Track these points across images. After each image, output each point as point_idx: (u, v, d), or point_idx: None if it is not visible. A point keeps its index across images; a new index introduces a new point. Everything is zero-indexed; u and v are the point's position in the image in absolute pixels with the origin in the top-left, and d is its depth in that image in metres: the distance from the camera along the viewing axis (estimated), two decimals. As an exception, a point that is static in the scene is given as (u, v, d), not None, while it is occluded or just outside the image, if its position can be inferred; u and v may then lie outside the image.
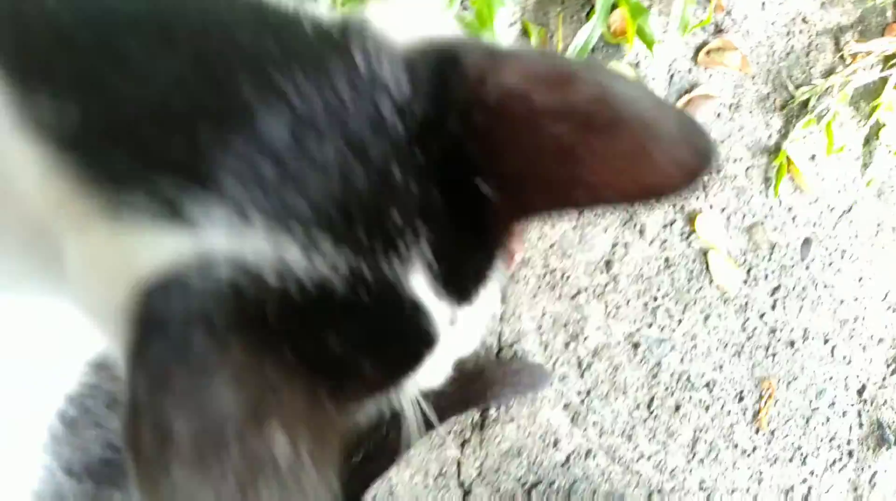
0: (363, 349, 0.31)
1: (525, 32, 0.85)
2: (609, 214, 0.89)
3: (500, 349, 0.88)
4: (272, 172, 0.28)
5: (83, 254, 0.31)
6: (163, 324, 0.26)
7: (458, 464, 0.86)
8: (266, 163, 0.28)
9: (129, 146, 0.29)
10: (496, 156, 0.31)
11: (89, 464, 0.60)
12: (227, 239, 0.27)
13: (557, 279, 0.89)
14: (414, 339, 0.34)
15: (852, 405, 0.99)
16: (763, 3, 0.92)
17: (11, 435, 0.56)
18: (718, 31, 0.91)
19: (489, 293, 0.38)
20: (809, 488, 0.96)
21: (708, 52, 0.91)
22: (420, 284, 0.32)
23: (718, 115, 0.92)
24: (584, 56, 0.84)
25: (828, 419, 0.97)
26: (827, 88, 0.92)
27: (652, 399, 0.92)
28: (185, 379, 0.26)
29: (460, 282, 0.34)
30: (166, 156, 0.28)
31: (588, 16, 0.83)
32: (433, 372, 0.39)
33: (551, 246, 0.88)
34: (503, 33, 0.75)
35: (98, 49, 0.30)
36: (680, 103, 0.90)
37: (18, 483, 0.57)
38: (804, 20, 0.94)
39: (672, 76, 0.90)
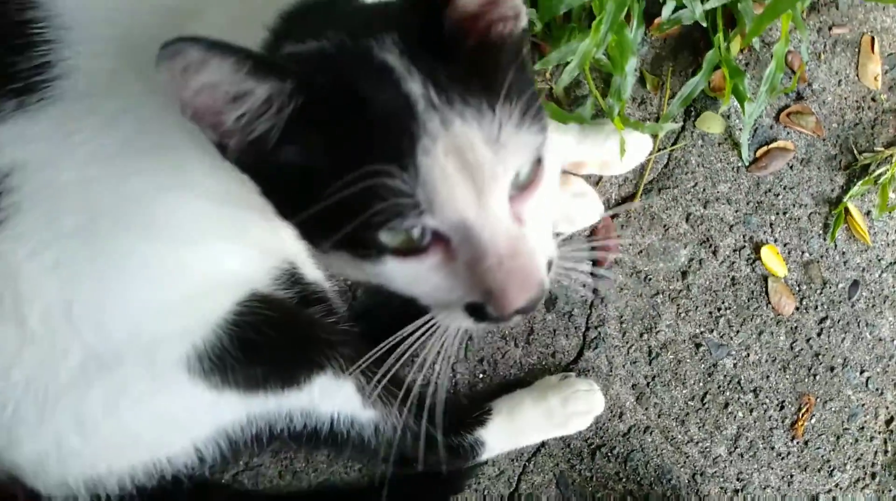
0: None
1: (642, 79, 1.06)
2: (690, 234, 1.08)
3: (587, 328, 1.07)
4: None
5: None
6: None
7: (540, 418, 1.05)
8: None
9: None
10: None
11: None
12: None
13: (640, 280, 1.08)
14: (389, 104, 0.51)
15: (880, 432, 1.14)
16: (840, 81, 1.12)
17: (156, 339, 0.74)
18: (799, 97, 1.10)
19: (502, 124, 0.52)
20: (833, 498, 1.11)
21: (788, 114, 1.10)
22: (391, 58, 0.52)
23: (791, 166, 1.11)
24: (686, 104, 1.05)
25: (856, 441, 1.12)
26: (886, 157, 1.10)
27: (706, 394, 1.09)
28: None
29: (437, 76, 0.51)
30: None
31: (694, 72, 1.04)
32: (451, 191, 0.51)
33: (640, 252, 1.08)
34: (629, 77, 0.96)
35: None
36: (760, 152, 1.09)
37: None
38: (873, 99, 1.13)
39: (756, 129, 1.09)
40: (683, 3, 0.99)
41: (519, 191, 0.55)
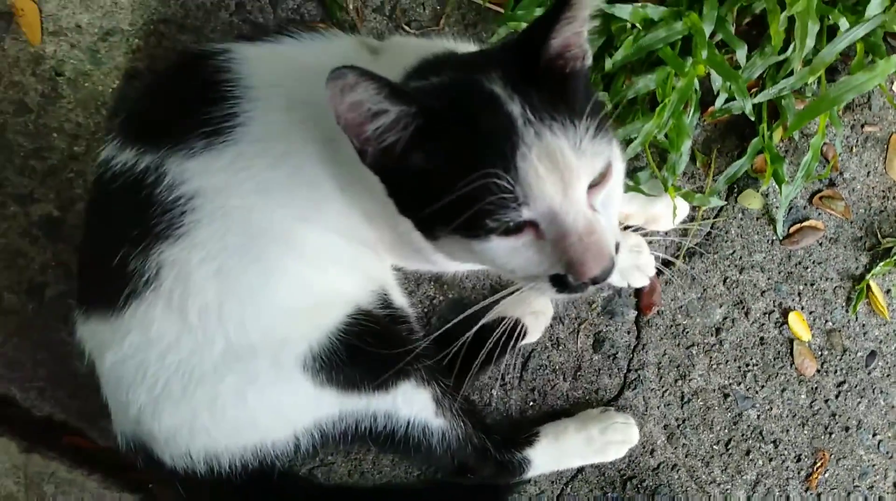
0: None
1: (693, 156, 1.22)
2: (726, 295, 1.22)
3: (628, 370, 1.21)
4: None
5: None
6: None
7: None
8: None
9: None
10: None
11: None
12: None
13: (679, 332, 1.22)
14: (493, 121, 0.68)
15: (888, 492, 1.24)
16: (868, 172, 1.26)
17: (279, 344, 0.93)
18: (831, 184, 1.25)
19: (573, 136, 0.68)
20: (841, 550, 1.22)
21: (820, 198, 1.25)
22: (497, 86, 0.70)
23: (820, 243, 1.25)
24: (730, 182, 1.20)
25: (866, 498, 1.23)
26: (907, 243, 1.24)
27: (730, 440, 1.22)
28: None
29: (530, 97, 0.69)
30: None
31: (740, 155, 1.19)
32: (542, 182, 0.67)
33: (680, 307, 1.22)
34: (684, 156, 1.12)
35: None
36: (793, 229, 1.24)
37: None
38: (898, 190, 1.27)
39: (791, 209, 1.24)
40: (734, 96, 1.15)
41: (593, 186, 0.71)
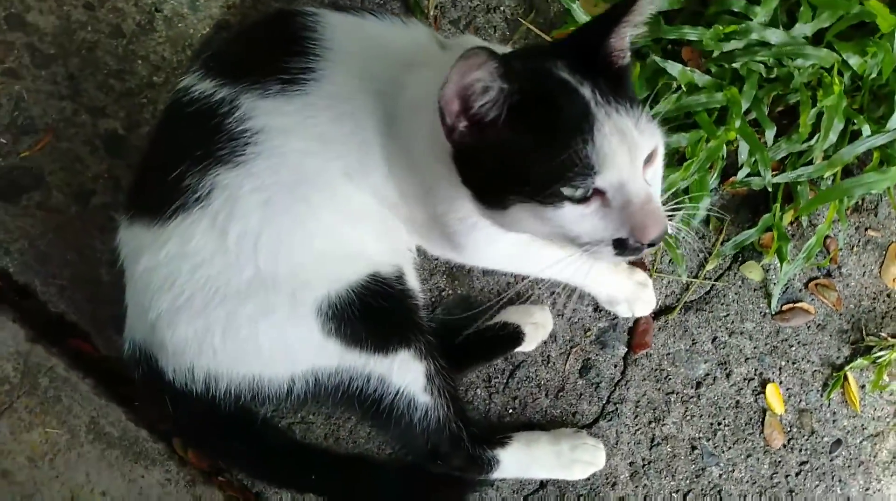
0: None
1: (708, 220, 1.31)
2: (712, 354, 1.29)
3: (607, 402, 1.26)
4: None
5: None
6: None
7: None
8: None
9: None
10: None
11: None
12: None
13: (662, 377, 1.28)
14: (570, 101, 0.79)
15: (829, 580, 1.28)
16: (864, 272, 1.35)
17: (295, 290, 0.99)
18: (828, 274, 1.34)
19: (632, 116, 0.80)
20: None
21: (816, 284, 1.33)
22: (565, 73, 0.81)
23: (808, 326, 1.32)
24: (737, 249, 1.29)
25: (806, 581, 1.27)
26: (889, 344, 1.31)
27: (689, 492, 1.26)
28: None
29: (600, 85, 0.81)
30: None
31: (749, 227, 1.28)
32: (615, 154, 0.79)
33: (668, 354, 1.29)
34: (701, 211, 1.22)
35: None
36: (786, 307, 1.32)
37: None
38: (888, 295, 1.36)
39: (787, 288, 1.32)
40: (756, 171, 1.25)
41: (644, 163, 0.82)
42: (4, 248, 1.20)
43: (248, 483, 1.20)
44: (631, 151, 0.79)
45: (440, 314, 1.25)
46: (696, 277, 1.30)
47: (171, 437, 1.20)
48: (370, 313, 0.99)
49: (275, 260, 0.95)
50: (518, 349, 1.24)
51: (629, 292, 1.21)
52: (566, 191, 0.79)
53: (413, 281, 1.11)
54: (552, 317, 1.25)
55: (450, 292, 1.26)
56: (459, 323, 1.23)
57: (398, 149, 0.96)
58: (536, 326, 1.23)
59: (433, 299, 1.25)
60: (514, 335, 1.22)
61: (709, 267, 1.30)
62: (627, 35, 0.83)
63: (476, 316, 1.25)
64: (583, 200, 0.80)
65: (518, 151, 0.80)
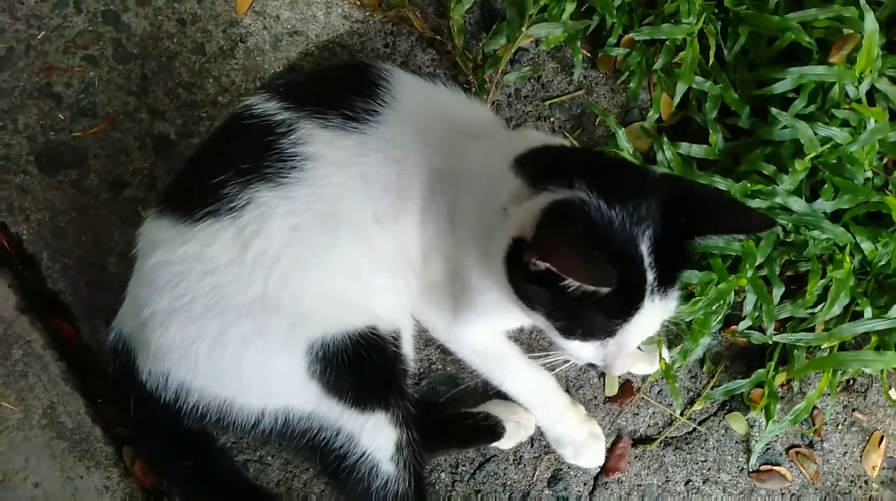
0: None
1: (702, 361, 1.33)
2: (683, 496, 1.26)
3: (569, 518, 1.22)
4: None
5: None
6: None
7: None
8: None
9: None
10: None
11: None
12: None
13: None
14: (635, 285, 0.81)
15: None
16: (845, 452, 1.34)
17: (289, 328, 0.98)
18: (810, 444, 1.33)
19: (669, 303, 0.85)
20: None
21: (797, 452, 1.33)
22: (645, 250, 0.80)
23: (783, 493, 1.30)
24: (726, 396, 1.29)
25: None
26: (859, 532, 1.28)
27: None
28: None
29: (661, 271, 0.81)
30: None
31: (742, 377, 1.29)
32: (636, 331, 0.85)
33: (639, 486, 1.26)
34: (699, 349, 1.24)
35: None
36: (764, 467, 1.30)
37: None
38: (865, 482, 1.34)
39: (768, 448, 1.31)
40: (758, 325, 1.28)
41: None
42: (25, 215, 1.22)
43: (186, 513, 1.14)
44: (649, 329, 0.87)
45: (425, 387, 1.24)
46: (681, 414, 1.30)
47: (123, 444, 1.15)
48: (359, 365, 0.99)
49: (284, 286, 0.96)
50: (495, 444, 1.21)
51: (580, 440, 1.20)
52: (580, 333, 0.87)
53: (408, 347, 1.11)
54: (534, 424, 1.23)
55: (439, 367, 1.26)
56: (441, 401, 1.22)
57: (438, 209, 1.01)
58: (518, 425, 1.22)
59: (421, 370, 1.25)
60: (495, 429, 1.21)
61: (695, 407, 1.30)
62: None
63: (460, 399, 1.24)
64: (587, 341, 0.89)
65: (567, 302, 0.83)
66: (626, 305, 0.82)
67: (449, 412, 1.25)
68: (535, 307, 0.87)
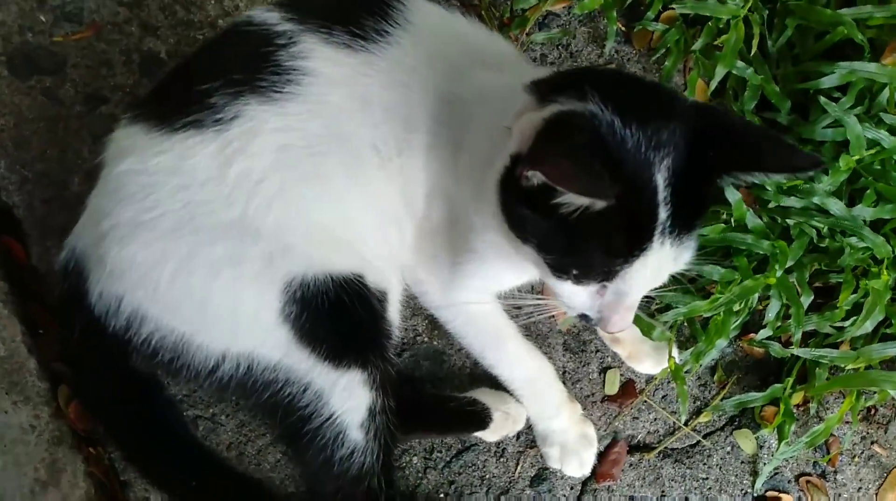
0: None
1: (714, 369, 1.21)
2: (678, 515, 1.13)
3: (551, 524, 1.09)
4: None
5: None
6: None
7: None
8: None
9: None
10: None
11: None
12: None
13: (618, 520, 1.12)
14: (643, 220, 0.69)
15: None
16: (860, 488, 1.21)
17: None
18: (823, 475, 1.20)
19: (682, 252, 0.73)
20: None
21: (807, 481, 1.20)
22: (660, 181, 0.68)
23: (788, 525, 1.17)
24: (737, 409, 1.17)
25: None
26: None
27: None
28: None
29: (677, 211, 0.69)
30: None
31: (756, 391, 1.17)
32: (639, 277, 0.73)
33: (631, 497, 1.13)
34: (713, 351, 1.12)
35: None
36: (770, 494, 1.17)
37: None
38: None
39: (776, 473, 1.18)
40: (779, 337, 1.17)
41: None
42: (-12, 118, 1.10)
43: (120, 468, 1.01)
44: (654, 279, 0.77)
45: (407, 360, 1.12)
46: (686, 424, 1.17)
47: (59, 382, 1.02)
48: (339, 313, 0.88)
49: (266, 212, 0.85)
50: (478, 434, 1.08)
51: (570, 441, 1.07)
52: (575, 273, 0.76)
53: (394, 312, 0.99)
54: (525, 418, 1.10)
55: (426, 339, 1.13)
56: (424, 377, 1.09)
57: (445, 139, 0.89)
58: (507, 417, 1.09)
59: (405, 341, 1.12)
60: (480, 417, 1.08)
61: (702, 419, 1.18)
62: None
63: (445, 378, 1.12)
64: (583, 284, 0.78)
65: (562, 229, 0.73)
66: (631, 242, 0.71)
67: (431, 392, 1.12)
68: (527, 238, 0.76)
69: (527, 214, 0.74)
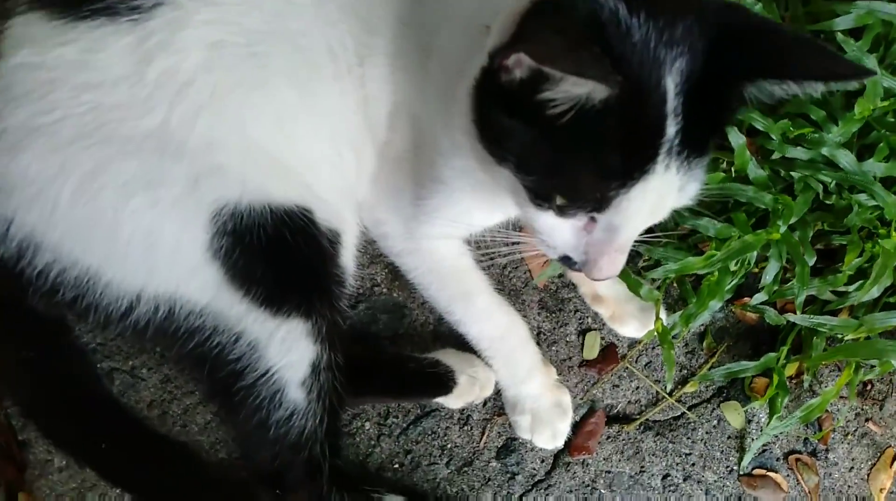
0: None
1: (703, 335, 1.10)
2: (658, 492, 1.03)
3: (522, 495, 0.97)
4: None
5: None
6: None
7: None
8: None
9: None
10: None
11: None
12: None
13: (591, 497, 1.00)
14: (647, 134, 0.56)
15: None
16: (851, 468, 1.12)
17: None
18: (813, 453, 1.11)
19: (689, 182, 0.61)
20: None
21: (797, 460, 1.10)
22: (670, 86, 0.56)
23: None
24: (726, 379, 1.06)
25: None
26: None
27: None
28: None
29: (689, 125, 0.57)
30: None
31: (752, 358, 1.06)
32: (636, 208, 0.60)
33: (607, 472, 1.02)
34: (705, 313, 1.00)
35: None
36: (757, 472, 1.07)
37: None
38: (868, 506, 1.13)
39: (764, 450, 1.08)
40: (773, 302, 1.06)
41: None
42: None
43: (18, 425, 0.86)
44: (654, 213, 0.66)
45: (361, 312, 0.98)
46: (670, 394, 1.06)
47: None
48: (280, 250, 0.74)
49: (192, 122, 0.71)
50: (440, 399, 0.96)
51: (543, 409, 0.95)
52: (560, 202, 0.64)
53: (348, 257, 0.86)
54: (494, 384, 0.98)
55: (385, 290, 1.00)
56: (381, 334, 0.96)
57: (414, 40, 0.75)
58: (474, 382, 0.96)
59: (361, 292, 0.99)
60: (443, 380, 0.95)
61: (687, 389, 1.07)
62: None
63: (404, 336, 0.99)
64: (568, 215, 0.65)
65: (547, 140, 0.60)
66: (630, 161, 0.58)
67: (388, 350, 0.99)
68: (504, 156, 0.63)
69: (506, 122, 0.61)
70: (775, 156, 1.06)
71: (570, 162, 0.59)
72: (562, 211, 0.63)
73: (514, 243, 0.77)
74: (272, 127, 0.74)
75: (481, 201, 0.78)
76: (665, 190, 0.61)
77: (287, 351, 0.77)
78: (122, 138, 0.69)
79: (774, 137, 1.05)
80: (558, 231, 0.66)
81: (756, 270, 1.08)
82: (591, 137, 0.57)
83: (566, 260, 0.69)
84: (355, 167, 0.83)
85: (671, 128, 0.57)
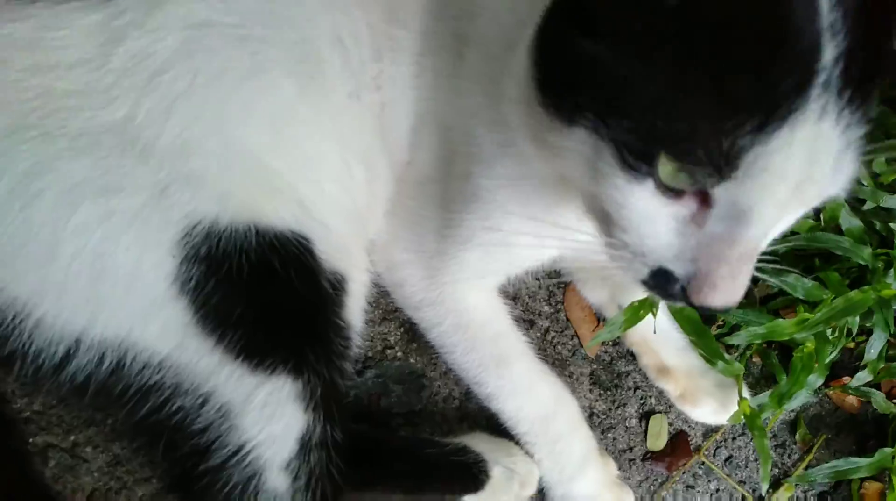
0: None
1: (794, 424, 0.88)
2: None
3: None
4: None
5: None
6: None
7: None
8: None
9: None
10: None
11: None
12: None
13: None
14: (793, 59, 0.40)
15: None
16: None
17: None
18: None
19: (847, 150, 0.43)
20: None
21: None
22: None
23: None
24: (833, 480, 0.84)
25: None
26: None
27: None
28: None
29: (852, 56, 0.41)
30: None
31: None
32: (782, 171, 0.42)
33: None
34: (803, 391, 0.79)
35: None
36: None
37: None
38: None
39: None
40: (878, 382, 0.85)
41: None
42: None
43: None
44: (800, 191, 0.44)
45: (369, 382, 0.79)
46: (760, 499, 0.84)
47: None
48: (266, 286, 0.59)
49: (165, 117, 0.57)
50: (468, 498, 0.73)
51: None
52: (665, 163, 0.44)
53: (354, 310, 0.68)
54: (537, 479, 0.76)
55: (399, 354, 0.81)
56: (393, 408, 0.77)
57: (447, 32, 0.63)
58: (511, 476, 0.73)
59: (370, 355, 0.80)
60: (472, 473, 0.73)
61: (782, 493, 0.84)
62: None
63: (422, 414, 0.79)
64: (673, 192, 0.45)
65: (650, 60, 0.43)
66: (772, 88, 0.40)
67: (402, 430, 0.79)
68: (583, 108, 0.45)
69: (589, 50, 0.44)
70: (867, 205, 0.89)
71: (684, 91, 0.41)
72: (665, 183, 0.44)
73: (584, 240, 0.54)
74: (264, 127, 0.59)
75: (527, 221, 0.61)
76: (820, 150, 0.42)
77: (268, 420, 0.58)
78: (74, 132, 0.55)
79: (866, 184, 0.88)
80: (654, 224, 0.46)
81: (852, 344, 0.89)
82: (717, 47, 0.40)
83: (660, 281, 0.48)
84: (366, 189, 0.67)
85: (829, 50, 0.40)
